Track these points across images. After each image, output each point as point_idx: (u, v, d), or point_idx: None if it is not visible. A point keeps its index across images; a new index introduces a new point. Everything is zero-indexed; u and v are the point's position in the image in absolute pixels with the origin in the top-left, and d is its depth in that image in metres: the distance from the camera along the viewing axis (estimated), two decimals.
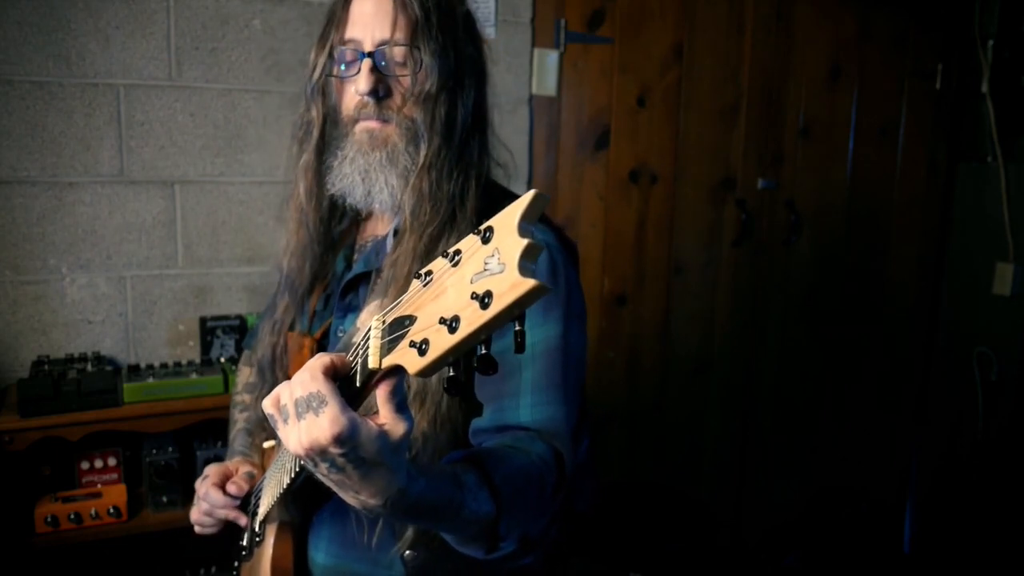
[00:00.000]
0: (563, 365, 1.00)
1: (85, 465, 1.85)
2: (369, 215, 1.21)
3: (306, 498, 1.09)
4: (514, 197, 0.58)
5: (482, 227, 0.57)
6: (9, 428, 1.66)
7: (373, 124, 1.06)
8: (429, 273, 0.62)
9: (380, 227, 1.19)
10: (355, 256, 1.21)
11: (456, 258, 0.59)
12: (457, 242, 0.61)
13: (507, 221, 0.56)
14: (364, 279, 1.14)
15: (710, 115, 2.56)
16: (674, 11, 2.46)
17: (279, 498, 1.01)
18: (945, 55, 2.88)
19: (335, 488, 0.72)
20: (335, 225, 1.21)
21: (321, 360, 0.69)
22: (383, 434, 0.67)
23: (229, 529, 1.23)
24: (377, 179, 1.06)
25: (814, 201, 2.77)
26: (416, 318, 0.60)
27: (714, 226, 2.63)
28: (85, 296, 1.94)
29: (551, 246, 1.04)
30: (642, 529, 2.04)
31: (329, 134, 1.12)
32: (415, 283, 0.63)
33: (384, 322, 0.65)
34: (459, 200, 1.06)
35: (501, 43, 2.25)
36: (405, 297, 0.64)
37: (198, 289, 2.05)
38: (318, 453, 0.67)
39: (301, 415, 0.67)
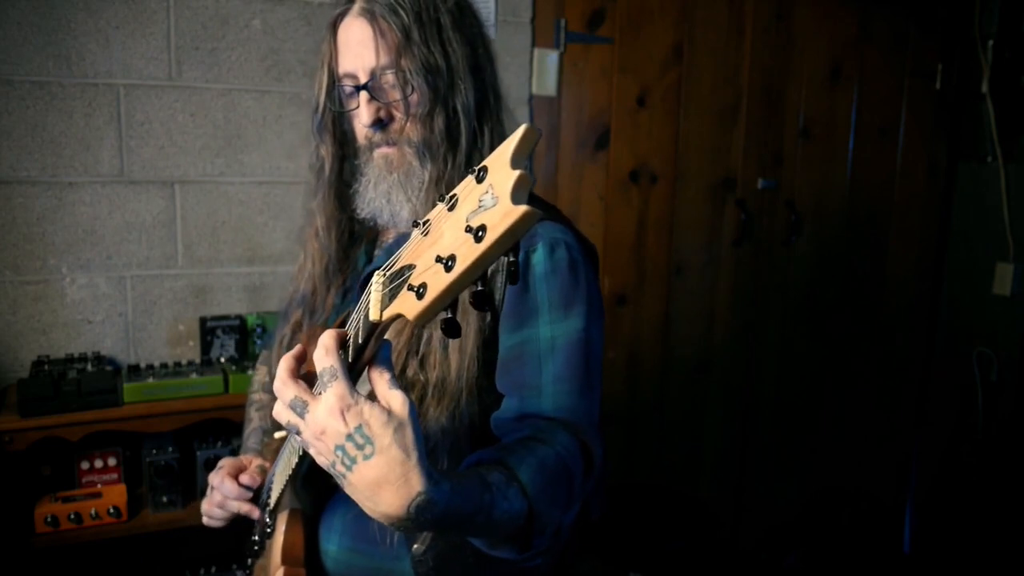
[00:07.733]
0: (584, 360, 1.01)
1: (85, 465, 1.85)
2: None
3: (317, 486, 1.09)
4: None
5: (476, 167, 0.57)
6: (9, 428, 1.66)
7: (386, 150, 1.09)
8: (427, 222, 0.61)
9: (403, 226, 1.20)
10: (376, 252, 1.22)
11: (452, 201, 0.59)
12: None
13: (500, 158, 0.55)
14: None
15: (710, 115, 2.56)
16: (674, 11, 2.45)
17: (289, 481, 1.01)
18: (945, 55, 2.88)
19: (351, 491, 0.70)
20: (357, 227, 1.22)
21: (328, 334, 0.70)
22: (384, 409, 0.68)
23: (239, 527, 1.23)
24: (399, 199, 1.09)
25: (814, 201, 2.77)
26: (415, 265, 0.60)
27: (714, 226, 2.63)
28: (85, 296, 1.94)
29: (571, 245, 1.06)
30: (642, 529, 2.04)
31: (350, 162, 1.15)
32: (415, 233, 0.62)
33: (384, 275, 0.64)
34: None
35: (501, 43, 2.25)
36: (404, 249, 0.63)
37: (198, 289, 2.05)
38: (331, 434, 0.67)
39: (318, 394, 0.68)
